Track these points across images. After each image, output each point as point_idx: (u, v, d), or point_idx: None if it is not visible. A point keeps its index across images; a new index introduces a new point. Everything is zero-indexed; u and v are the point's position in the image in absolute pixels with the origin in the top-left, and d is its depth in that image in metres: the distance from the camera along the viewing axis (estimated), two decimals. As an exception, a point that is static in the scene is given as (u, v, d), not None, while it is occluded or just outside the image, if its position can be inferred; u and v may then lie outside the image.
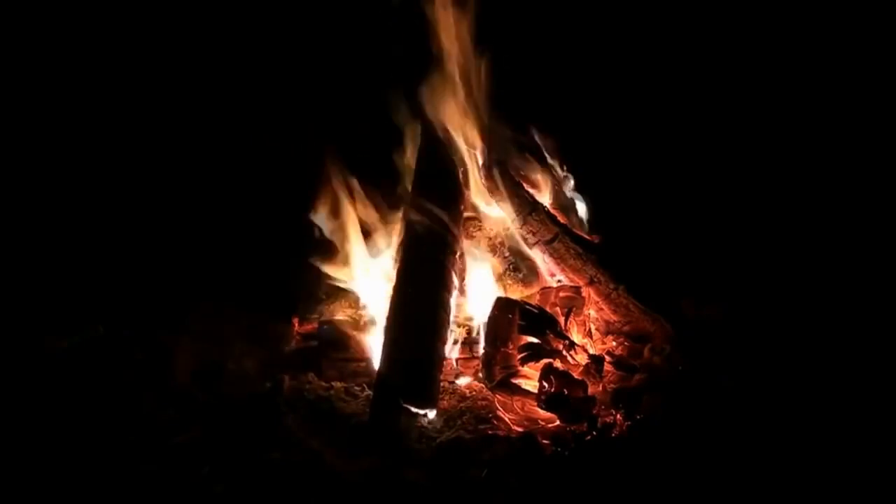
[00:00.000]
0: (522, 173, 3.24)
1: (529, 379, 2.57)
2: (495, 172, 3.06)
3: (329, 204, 3.04)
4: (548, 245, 2.92)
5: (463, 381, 2.71)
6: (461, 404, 2.51)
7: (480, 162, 3.08)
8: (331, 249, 3.08)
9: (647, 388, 2.46)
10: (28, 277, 3.43)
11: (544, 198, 3.24)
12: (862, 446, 2.08)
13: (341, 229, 3.04)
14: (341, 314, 3.12)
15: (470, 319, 2.93)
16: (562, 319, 2.74)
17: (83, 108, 4.20)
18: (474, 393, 2.60)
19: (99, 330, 2.99)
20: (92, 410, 2.44)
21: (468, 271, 3.00)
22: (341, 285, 3.08)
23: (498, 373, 2.56)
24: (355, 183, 3.05)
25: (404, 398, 2.39)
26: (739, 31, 4.46)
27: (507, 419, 2.40)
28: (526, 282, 3.04)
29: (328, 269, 3.05)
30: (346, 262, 3.06)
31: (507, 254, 3.08)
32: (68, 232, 3.78)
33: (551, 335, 2.59)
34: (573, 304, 2.81)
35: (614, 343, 2.88)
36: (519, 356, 2.56)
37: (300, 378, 2.68)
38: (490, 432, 2.29)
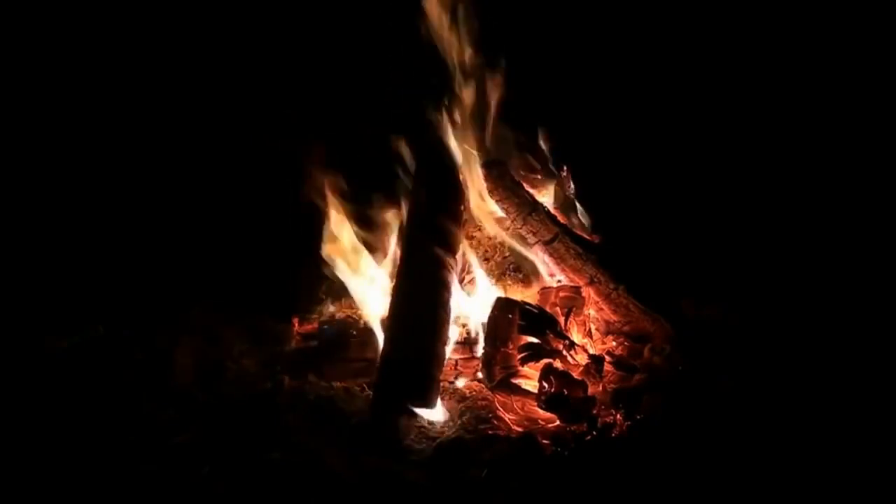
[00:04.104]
0: (522, 173, 3.24)
1: (529, 379, 2.57)
2: (495, 172, 3.06)
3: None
4: (548, 245, 2.92)
5: (463, 381, 2.71)
6: (461, 404, 2.51)
7: (480, 162, 3.09)
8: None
9: (647, 388, 2.46)
10: (28, 277, 3.44)
11: (544, 198, 3.24)
12: (862, 446, 2.08)
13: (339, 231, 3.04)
14: (341, 314, 3.12)
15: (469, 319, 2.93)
16: (562, 319, 2.74)
17: (83, 109, 4.20)
18: (474, 393, 2.60)
19: (99, 330, 2.99)
20: (92, 410, 2.44)
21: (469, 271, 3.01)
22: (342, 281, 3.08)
23: (498, 373, 2.56)
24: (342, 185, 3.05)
25: (404, 398, 2.39)
26: (739, 31, 4.46)
27: (507, 419, 2.40)
28: (526, 282, 3.04)
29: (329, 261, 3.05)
30: (347, 260, 3.06)
31: (507, 254, 3.08)
32: (68, 232, 3.78)
33: (551, 335, 2.59)
34: (573, 304, 2.81)
35: (614, 343, 2.87)
36: (519, 356, 2.56)
37: (300, 378, 2.68)
38: (490, 432, 2.29)
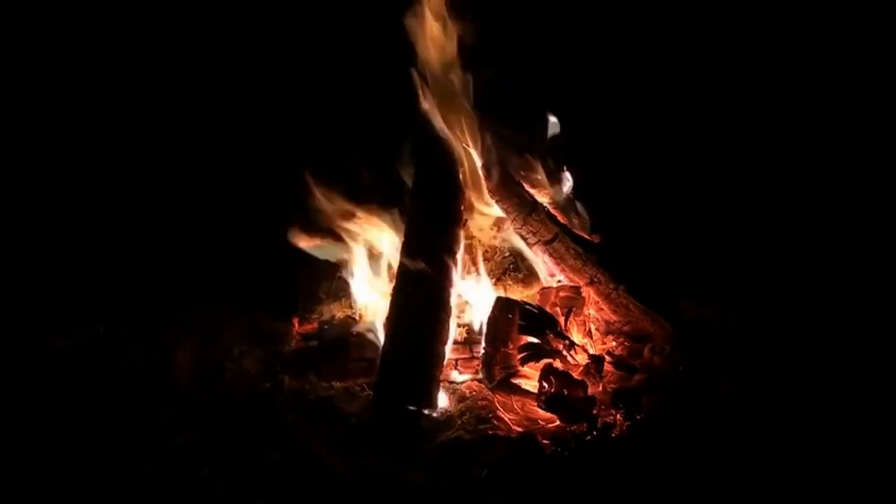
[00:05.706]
0: (522, 173, 3.24)
1: (529, 379, 2.57)
2: (495, 172, 3.06)
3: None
4: (548, 245, 2.92)
5: (463, 381, 2.71)
6: (461, 404, 2.51)
7: (480, 162, 3.09)
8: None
9: (647, 388, 2.46)
10: (28, 277, 3.44)
11: (544, 198, 3.24)
12: (862, 446, 2.08)
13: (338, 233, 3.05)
14: (341, 314, 3.12)
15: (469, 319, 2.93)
16: (562, 319, 2.74)
17: (83, 109, 4.20)
18: (474, 393, 2.60)
19: (99, 330, 2.99)
20: (92, 410, 2.44)
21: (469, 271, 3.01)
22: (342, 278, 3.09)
23: (498, 373, 2.57)
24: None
25: (404, 398, 2.39)
26: (739, 31, 4.46)
27: (507, 419, 2.40)
28: (526, 282, 3.04)
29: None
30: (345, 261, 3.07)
31: (506, 254, 3.09)
32: (68, 232, 3.78)
33: (551, 335, 2.59)
34: (573, 304, 2.81)
35: (614, 343, 2.88)
36: (519, 356, 2.56)
37: (300, 378, 2.68)
38: (490, 432, 2.29)
